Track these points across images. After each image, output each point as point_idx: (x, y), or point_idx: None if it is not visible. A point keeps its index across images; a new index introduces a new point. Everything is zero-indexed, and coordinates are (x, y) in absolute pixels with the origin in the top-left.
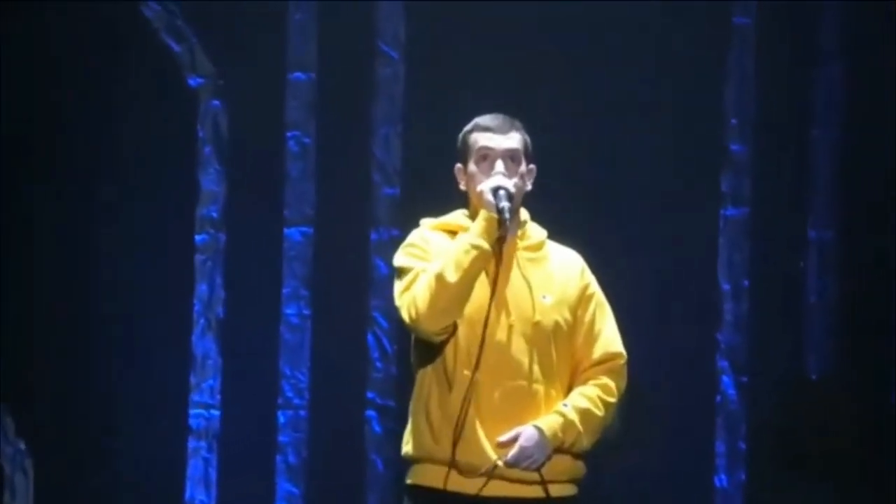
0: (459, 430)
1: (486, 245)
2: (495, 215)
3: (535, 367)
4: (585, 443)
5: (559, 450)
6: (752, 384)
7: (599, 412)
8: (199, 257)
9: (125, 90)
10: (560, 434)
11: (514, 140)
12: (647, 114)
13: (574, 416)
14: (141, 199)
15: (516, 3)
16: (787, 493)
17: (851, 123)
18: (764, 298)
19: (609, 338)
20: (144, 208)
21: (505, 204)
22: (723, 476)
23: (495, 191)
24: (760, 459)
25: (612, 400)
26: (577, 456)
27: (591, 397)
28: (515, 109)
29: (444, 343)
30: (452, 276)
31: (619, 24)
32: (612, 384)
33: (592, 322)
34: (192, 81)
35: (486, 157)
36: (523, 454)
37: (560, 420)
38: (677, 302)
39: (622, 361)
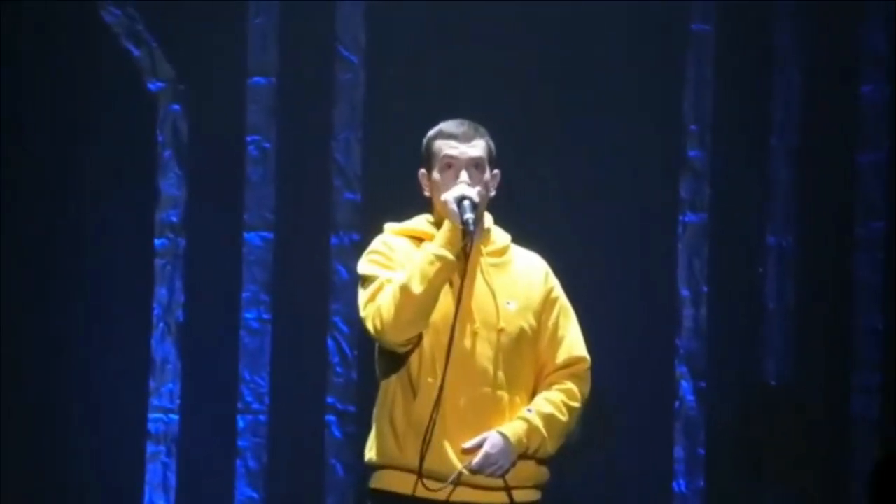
0: (428, 439)
1: (450, 256)
2: (460, 226)
3: (500, 374)
4: (550, 448)
5: (524, 455)
6: (710, 390)
7: (563, 417)
8: (158, 261)
9: (85, 95)
10: (525, 440)
11: (478, 148)
12: (606, 119)
13: (538, 422)
14: (100, 204)
15: (476, 6)
16: (746, 498)
17: (810, 129)
18: (723, 304)
19: (573, 342)
20: (104, 212)
21: (469, 216)
22: (682, 481)
23: (459, 201)
24: (719, 465)
25: (577, 405)
26: (541, 461)
27: (556, 402)
28: (475, 114)
29: (409, 351)
30: (417, 288)
31: (579, 29)
32: (576, 389)
33: (556, 326)
34: (152, 86)
35: (451, 165)
36: (488, 461)
37: (524, 426)
38: (636, 307)
39: (586, 366)
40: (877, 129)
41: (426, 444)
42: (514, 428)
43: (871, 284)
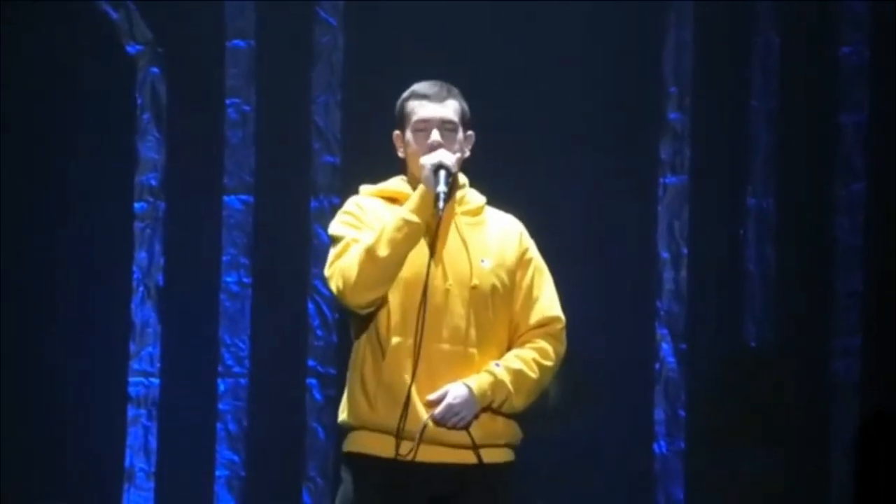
0: (406, 400)
1: (419, 221)
2: (433, 193)
3: (472, 331)
4: (517, 403)
5: (490, 409)
6: (691, 352)
7: (533, 374)
8: (138, 225)
9: (63, 57)
10: (489, 392)
11: (450, 108)
12: (586, 82)
13: (505, 376)
14: (79, 167)
15: None
16: (727, 460)
17: (790, 91)
18: (703, 266)
19: (547, 302)
20: (83, 176)
21: (442, 189)
22: (662, 443)
23: (436, 170)
24: (700, 427)
25: (549, 364)
26: (513, 419)
27: (526, 359)
28: (454, 75)
29: (377, 310)
30: (383, 252)
31: None
32: (549, 348)
33: (531, 287)
34: (131, 48)
35: (423, 128)
36: (450, 411)
37: (490, 379)
38: (617, 269)
39: (560, 326)
40: (857, 90)
41: (406, 406)
42: (478, 380)
43: (851, 246)
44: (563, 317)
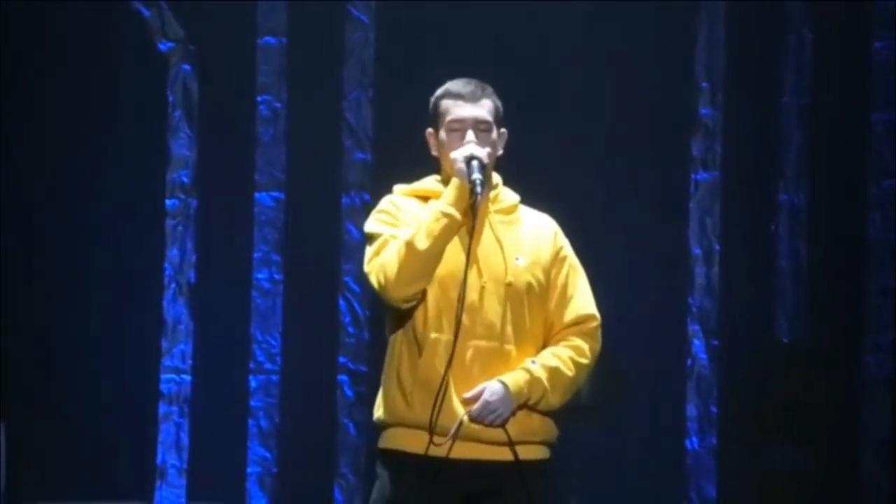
0: (442, 395)
1: (456, 213)
2: (467, 185)
3: (508, 328)
4: (553, 401)
5: (526, 406)
6: (723, 348)
7: (569, 372)
8: (169, 222)
9: (96, 55)
10: (525, 390)
11: (484, 108)
12: (619, 78)
13: (541, 374)
14: (112, 164)
15: None
16: (758, 456)
17: (821, 88)
18: (735, 262)
19: (582, 300)
20: (115, 173)
21: (477, 176)
22: (694, 439)
23: (468, 161)
24: (732, 422)
25: (585, 361)
26: (549, 417)
27: (562, 357)
28: (485, 73)
29: (413, 307)
30: (423, 244)
31: None
32: (584, 346)
33: (566, 285)
34: (163, 46)
35: (458, 126)
36: (487, 408)
37: (526, 376)
38: (649, 266)
39: (595, 324)
40: (888, 87)
41: (438, 402)
42: (514, 377)
43: (883, 243)
44: (598, 315)
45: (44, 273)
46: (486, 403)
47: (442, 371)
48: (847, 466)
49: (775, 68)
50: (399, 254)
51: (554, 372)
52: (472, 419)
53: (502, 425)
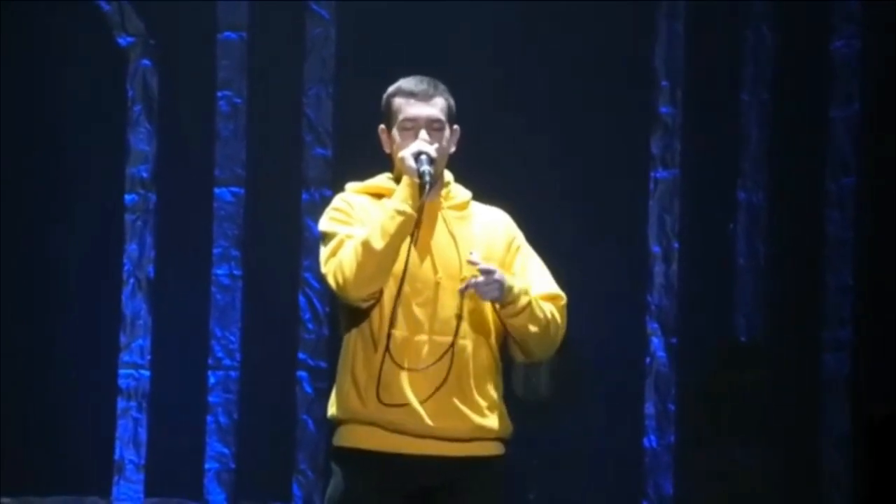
0: (382, 358)
1: (410, 210)
2: (417, 180)
3: (464, 324)
4: (526, 321)
5: (501, 312)
6: (681, 346)
7: (548, 315)
8: (129, 217)
9: (55, 49)
10: (515, 290)
11: (437, 107)
12: (578, 76)
13: (529, 294)
14: (70, 159)
15: None
16: (717, 454)
17: (781, 85)
18: (693, 261)
19: (544, 281)
20: (74, 168)
21: (426, 168)
22: (652, 437)
23: (416, 156)
24: (690, 421)
25: (559, 321)
26: (504, 414)
27: (542, 305)
28: (443, 70)
29: (371, 306)
30: (379, 243)
31: None
32: (556, 313)
33: (524, 272)
34: (122, 41)
35: (410, 127)
36: (492, 276)
37: (523, 286)
38: (608, 264)
39: (563, 302)
40: (848, 84)
41: (380, 390)
42: (513, 278)
43: (842, 240)
44: (563, 294)
45: (1, 267)
46: (492, 272)
47: (397, 368)
48: (806, 463)
49: (735, 66)
50: (356, 253)
51: (536, 302)
52: (473, 263)
53: (489, 299)
